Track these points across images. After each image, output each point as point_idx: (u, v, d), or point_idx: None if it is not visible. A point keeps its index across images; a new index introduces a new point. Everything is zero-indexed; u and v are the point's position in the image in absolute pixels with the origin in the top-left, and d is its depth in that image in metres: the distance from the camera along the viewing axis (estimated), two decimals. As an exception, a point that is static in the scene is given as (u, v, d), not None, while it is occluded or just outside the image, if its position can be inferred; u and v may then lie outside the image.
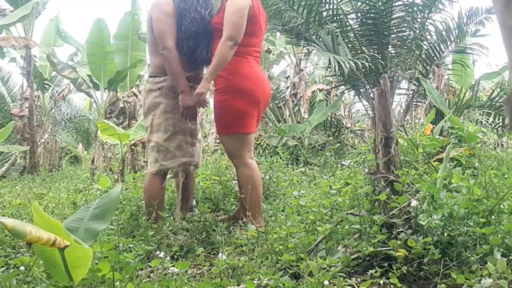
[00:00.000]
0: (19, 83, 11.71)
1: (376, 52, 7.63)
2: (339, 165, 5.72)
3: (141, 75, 12.16)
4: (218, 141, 7.71)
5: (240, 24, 2.90)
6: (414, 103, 8.85)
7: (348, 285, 1.90)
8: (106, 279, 1.77)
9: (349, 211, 2.34)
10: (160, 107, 2.99)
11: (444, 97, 6.50)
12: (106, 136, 6.14)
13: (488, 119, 7.41)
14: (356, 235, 2.21)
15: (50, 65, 11.36)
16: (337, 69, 6.47)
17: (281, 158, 5.74)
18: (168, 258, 2.17)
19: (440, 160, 3.32)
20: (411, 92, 8.62)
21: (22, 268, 1.91)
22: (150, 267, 2.14)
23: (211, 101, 3.93)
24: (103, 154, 8.37)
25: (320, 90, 11.26)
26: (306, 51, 9.65)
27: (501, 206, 2.18)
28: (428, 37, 7.91)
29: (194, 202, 3.32)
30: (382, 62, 7.43)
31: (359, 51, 7.68)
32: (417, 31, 7.76)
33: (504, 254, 1.93)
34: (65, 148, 13.91)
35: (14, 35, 9.64)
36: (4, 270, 2.08)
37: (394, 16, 7.53)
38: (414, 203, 2.12)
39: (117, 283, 1.78)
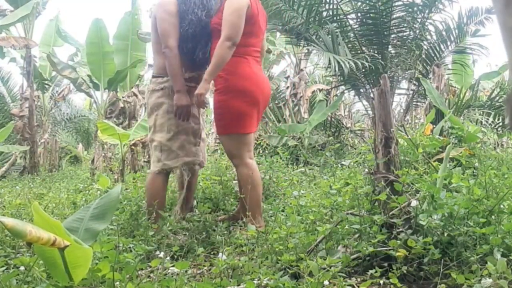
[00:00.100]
0: (19, 83, 11.73)
1: (376, 52, 7.63)
2: (339, 165, 5.72)
3: (141, 75, 12.16)
4: (218, 141, 7.72)
5: (238, 24, 2.90)
6: (414, 103, 8.85)
7: (348, 285, 1.90)
8: (106, 279, 1.78)
9: (349, 211, 2.34)
10: (163, 107, 3.02)
11: (444, 97, 6.50)
12: (106, 136, 6.14)
13: (488, 119, 7.41)
14: (356, 235, 2.21)
15: (50, 65, 11.36)
16: (337, 69, 6.47)
17: (281, 158, 5.74)
18: (168, 258, 2.17)
19: (440, 160, 3.32)
20: (411, 92, 8.62)
21: (22, 268, 1.91)
22: (150, 267, 2.14)
23: (211, 101, 3.93)
24: (103, 154, 8.37)
25: (320, 90, 11.26)
26: (306, 51, 9.65)
27: (501, 206, 2.18)
28: (428, 37, 7.91)
29: (194, 202, 3.32)
30: (382, 62, 7.43)
31: (359, 51, 7.68)
32: (417, 31, 7.76)
33: (504, 254, 1.93)
34: (65, 148, 13.91)
35: (14, 35, 9.64)
36: (4, 270, 2.08)
37: (394, 16, 7.53)
38: (414, 203, 2.12)
39: (117, 283, 1.78)
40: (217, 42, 2.91)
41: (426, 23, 7.78)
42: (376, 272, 1.94)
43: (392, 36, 7.82)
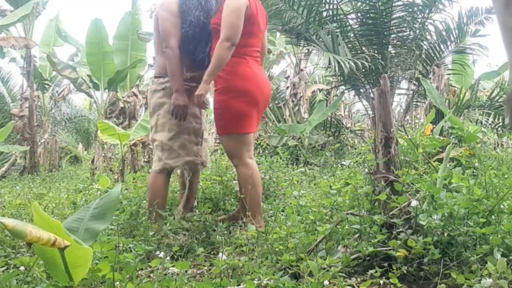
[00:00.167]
0: (19, 83, 11.73)
1: (376, 52, 7.63)
2: (339, 165, 5.72)
3: (141, 75, 12.15)
4: (218, 141, 7.72)
5: (237, 24, 2.90)
6: (414, 103, 8.85)
7: (348, 285, 1.90)
8: (106, 279, 1.78)
9: (349, 211, 2.34)
10: (164, 107, 3.04)
11: (444, 97, 6.50)
12: (106, 136, 6.14)
13: (488, 119, 7.41)
14: (356, 235, 2.21)
15: (50, 65, 11.36)
16: (337, 69, 6.47)
17: (281, 158, 5.74)
18: (168, 258, 2.17)
19: (440, 160, 3.32)
20: (411, 92, 8.62)
21: (22, 268, 1.91)
22: (150, 267, 2.14)
23: (211, 101, 3.93)
24: (103, 154, 8.37)
25: (320, 90, 11.26)
26: (306, 51, 9.65)
27: (501, 206, 2.18)
28: (428, 37, 7.91)
29: (195, 203, 3.32)
30: (382, 62, 7.43)
31: (359, 51, 7.68)
32: (417, 31, 7.76)
33: (504, 254, 1.93)
34: (65, 148, 13.91)
35: (14, 35, 9.64)
36: (4, 270, 2.08)
37: (394, 16, 7.53)
38: (414, 203, 2.12)
39: (117, 283, 1.78)
40: (216, 42, 2.92)
41: (426, 23, 7.78)
42: (376, 272, 1.94)
43: (392, 36, 7.82)
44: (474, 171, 3.50)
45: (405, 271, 1.95)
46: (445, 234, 2.06)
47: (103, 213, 2.03)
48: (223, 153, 5.71)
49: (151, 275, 2.13)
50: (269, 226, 2.62)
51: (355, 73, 7.50)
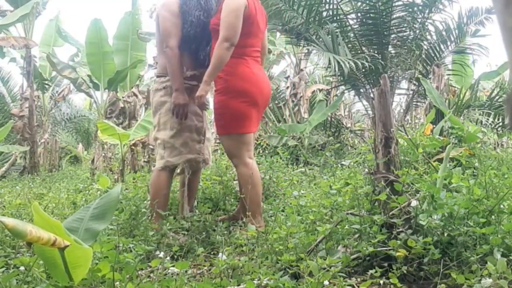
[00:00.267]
0: (19, 83, 11.72)
1: (376, 52, 7.63)
2: (339, 165, 5.72)
3: (141, 75, 12.15)
4: (218, 141, 7.72)
5: (236, 24, 2.90)
6: (414, 103, 8.85)
7: (348, 285, 1.90)
8: (106, 279, 1.78)
9: (349, 211, 2.34)
10: (165, 106, 3.07)
11: (444, 97, 6.50)
12: (106, 136, 6.14)
13: (488, 119, 7.41)
14: (356, 235, 2.21)
15: (50, 65, 11.36)
16: (337, 69, 6.47)
17: (281, 158, 5.74)
18: (168, 258, 2.17)
19: (440, 160, 3.32)
20: (411, 92, 8.61)
21: (22, 268, 1.91)
22: (150, 267, 2.14)
23: (211, 101, 3.94)
24: (103, 154, 8.37)
25: (320, 90, 11.26)
26: (306, 51, 9.65)
27: (501, 206, 2.18)
28: (428, 37, 7.91)
29: (195, 203, 3.32)
30: (382, 62, 7.43)
31: (359, 51, 7.68)
32: (417, 31, 7.76)
33: (504, 254, 1.93)
34: (65, 148, 13.91)
35: (14, 35, 9.63)
36: (4, 270, 2.08)
37: (394, 16, 7.53)
38: (414, 203, 2.12)
39: (117, 283, 1.78)
40: (216, 42, 2.92)
41: (426, 23, 7.78)
42: (376, 272, 1.94)
43: (392, 36, 7.82)
44: (474, 171, 3.50)
45: (405, 271, 1.95)
46: (445, 234, 2.06)
47: (103, 213, 2.03)
48: (223, 153, 5.71)
49: (151, 275, 2.13)
50: (269, 226, 2.62)
51: (355, 73, 7.50)
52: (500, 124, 7.30)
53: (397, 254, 1.99)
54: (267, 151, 7.30)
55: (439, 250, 1.98)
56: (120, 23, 11.29)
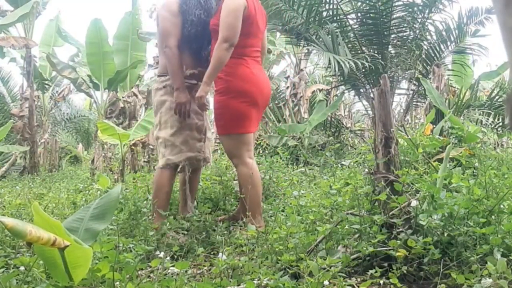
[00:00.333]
0: (19, 83, 11.72)
1: (376, 52, 7.63)
2: (339, 165, 5.72)
3: (141, 75, 12.15)
4: (218, 141, 7.72)
5: (235, 25, 2.90)
6: (414, 103, 8.85)
7: (348, 285, 1.90)
8: (106, 279, 1.78)
9: (349, 211, 2.34)
10: (165, 105, 3.09)
11: (444, 97, 6.50)
12: (106, 136, 6.14)
13: (488, 119, 7.41)
14: (356, 235, 2.21)
15: (50, 65, 11.36)
16: (337, 69, 6.47)
17: (281, 158, 5.74)
18: (168, 258, 2.17)
19: (440, 160, 3.32)
20: (411, 92, 8.62)
21: (22, 268, 1.91)
22: (150, 267, 2.14)
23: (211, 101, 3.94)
24: (103, 154, 8.37)
25: (320, 90, 11.27)
26: (306, 51, 9.65)
27: (501, 206, 2.18)
28: (428, 37, 7.91)
29: (195, 203, 3.31)
30: (382, 62, 7.43)
31: (359, 51, 7.68)
32: (417, 31, 7.76)
33: (504, 254, 1.93)
34: (65, 148, 13.91)
35: (14, 35, 9.63)
36: (4, 270, 2.08)
37: (394, 16, 7.53)
38: (414, 203, 2.12)
39: (117, 283, 1.78)
40: (215, 43, 2.92)
41: (426, 23, 7.78)
42: (376, 272, 1.94)
43: (392, 36, 7.82)
44: (474, 171, 3.50)
45: (405, 271, 1.95)
46: (445, 234, 2.06)
47: (103, 213, 2.03)
48: (223, 153, 5.71)
49: (151, 275, 2.13)
50: (269, 226, 2.62)
51: (355, 73, 7.50)
52: (500, 124, 7.30)
53: (397, 254, 1.99)
54: (267, 151, 7.30)
55: (439, 250, 1.98)
56: (120, 23, 11.29)
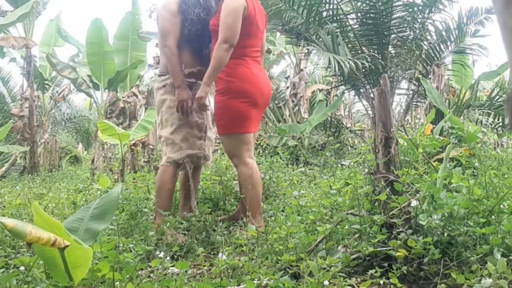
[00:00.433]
0: (19, 83, 11.72)
1: (376, 52, 7.63)
2: (339, 165, 5.72)
3: (141, 75, 12.15)
4: (218, 141, 7.73)
5: (235, 26, 2.90)
6: (414, 103, 8.85)
7: (348, 285, 1.90)
8: (106, 279, 1.78)
9: (349, 211, 2.34)
10: (165, 103, 3.12)
11: (444, 97, 6.50)
12: (106, 136, 6.14)
13: (488, 119, 7.41)
14: (356, 235, 2.21)
15: (50, 65, 11.36)
16: (337, 69, 6.47)
17: (281, 158, 5.73)
18: (168, 258, 2.17)
19: (440, 160, 3.32)
20: (411, 92, 8.61)
21: (22, 268, 1.91)
22: (150, 267, 2.14)
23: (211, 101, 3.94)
24: (103, 154, 8.37)
25: (320, 90, 11.27)
26: (306, 51, 9.64)
27: (501, 206, 2.18)
28: (428, 37, 7.91)
29: (195, 203, 3.31)
30: (382, 62, 7.43)
31: (359, 51, 7.68)
32: (417, 31, 7.76)
33: (504, 254, 1.93)
34: (65, 148, 13.91)
35: (14, 35, 9.63)
36: (4, 270, 2.08)
37: (394, 16, 7.53)
38: (414, 203, 2.12)
39: (117, 283, 1.78)
40: (215, 43, 2.93)
41: (426, 23, 7.77)
42: (376, 272, 1.94)
43: (392, 36, 7.82)
44: (474, 171, 3.50)
45: (405, 271, 1.95)
46: (445, 234, 2.06)
47: (103, 213, 2.03)
48: (223, 153, 5.71)
49: (151, 275, 2.13)
50: (269, 226, 2.62)
51: (355, 73, 7.50)
52: (500, 124, 7.30)
53: (397, 254, 1.99)
54: (267, 151, 7.30)
55: (439, 250, 1.98)
56: (121, 23, 11.29)
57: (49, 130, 12.99)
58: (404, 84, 8.83)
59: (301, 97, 10.05)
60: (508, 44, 0.54)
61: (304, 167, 5.98)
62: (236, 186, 3.53)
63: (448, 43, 7.84)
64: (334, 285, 1.90)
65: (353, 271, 2.08)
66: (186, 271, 2.15)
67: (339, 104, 10.29)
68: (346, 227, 2.26)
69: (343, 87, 9.24)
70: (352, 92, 10.49)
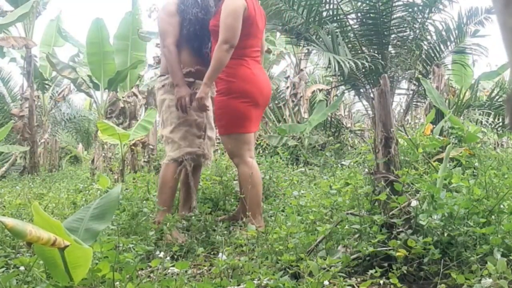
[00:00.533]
0: (20, 83, 11.72)
1: (376, 52, 7.63)
2: (339, 165, 5.72)
3: (141, 75, 12.15)
4: (218, 141, 7.74)
5: (235, 26, 2.90)
6: (414, 103, 8.85)
7: (348, 285, 1.90)
8: (106, 279, 1.78)
9: (349, 211, 2.34)
10: (165, 103, 3.15)
11: (444, 97, 6.50)
12: (106, 136, 6.14)
13: (488, 119, 7.41)
14: (356, 235, 2.21)
15: (50, 65, 11.36)
16: (337, 69, 6.47)
17: (281, 158, 5.74)
18: (168, 258, 2.17)
19: (440, 160, 3.32)
20: (411, 92, 8.62)
21: (22, 268, 1.91)
22: (150, 267, 2.14)
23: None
24: (103, 154, 8.37)
25: (320, 90, 11.27)
26: (306, 51, 9.64)
27: (501, 206, 2.18)
28: (428, 37, 7.91)
29: (195, 203, 3.31)
30: (382, 62, 7.43)
31: (359, 51, 7.68)
32: (417, 31, 7.76)
33: (504, 254, 1.93)
34: (65, 148, 13.90)
35: (14, 35, 9.63)
36: (4, 270, 2.08)
37: (394, 16, 7.53)
38: (414, 203, 2.12)
39: (117, 283, 1.78)
40: (215, 44, 2.93)
41: (426, 23, 7.78)
42: (376, 272, 1.94)
43: (392, 36, 7.82)
44: (474, 171, 3.50)
45: (405, 271, 1.95)
46: (445, 234, 2.06)
47: (103, 213, 2.03)
48: (223, 153, 5.71)
49: (151, 275, 2.13)
50: (269, 226, 2.62)
51: (355, 73, 7.50)
52: (500, 124, 7.30)
53: (397, 254, 1.99)
54: (267, 151, 7.30)
55: (439, 250, 1.98)
56: (121, 23, 11.29)
57: (49, 130, 13.00)
58: (404, 84, 8.85)
59: (301, 97, 10.05)
60: (508, 44, 0.54)
61: (304, 167, 5.98)
62: (236, 186, 3.53)
63: (448, 43, 7.84)
64: (334, 285, 1.90)
65: (353, 271, 2.08)
66: (186, 271, 2.15)
67: (339, 104, 10.29)
68: (346, 227, 2.26)
69: (343, 87, 9.24)
70: (352, 92, 10.50)
